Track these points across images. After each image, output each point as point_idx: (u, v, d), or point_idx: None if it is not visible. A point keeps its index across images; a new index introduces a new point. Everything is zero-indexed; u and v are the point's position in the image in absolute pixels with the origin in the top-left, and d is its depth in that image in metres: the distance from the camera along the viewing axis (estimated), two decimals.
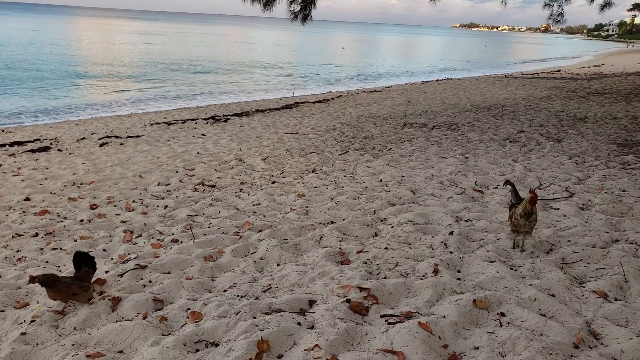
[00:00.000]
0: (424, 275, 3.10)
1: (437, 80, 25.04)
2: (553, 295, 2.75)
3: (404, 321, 2.50)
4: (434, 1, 13.30)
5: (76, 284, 2.80)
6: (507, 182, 3.73)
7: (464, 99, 14.92)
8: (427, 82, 24.13)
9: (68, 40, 47.01)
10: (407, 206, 4.67)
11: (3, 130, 11.76)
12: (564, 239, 3.63)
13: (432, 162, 6.70)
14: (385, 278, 3.09)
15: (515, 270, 3.11)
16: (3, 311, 2.97)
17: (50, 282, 2.71)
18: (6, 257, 3.96)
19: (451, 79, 25.01)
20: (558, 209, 4.40)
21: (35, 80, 21.27)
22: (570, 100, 13.08)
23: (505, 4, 15.66)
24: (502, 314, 2.58)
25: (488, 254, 3.37)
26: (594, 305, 2.66)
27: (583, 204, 4.51)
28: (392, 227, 4.11)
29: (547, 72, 26.94)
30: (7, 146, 9.37)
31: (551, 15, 16.97)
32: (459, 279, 3.03)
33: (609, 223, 3.95)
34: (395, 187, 5.42)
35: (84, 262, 2.96)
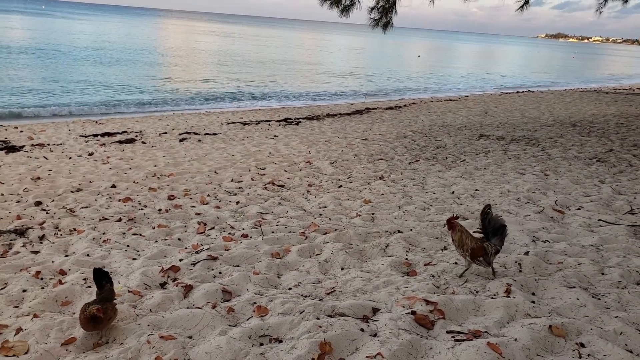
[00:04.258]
0: (495, 295, 2.95)
1: (517, 91, 23.84)
2: None
3: (471, 339, 2.40)
4: (522, 10, 12.47)
5: (110, 307, 2.63)
6: (486, 207, 3.17)
7: (546, 112, 14.08)
8: (506, 93, 23.06)
9: (155, 40, 50.49)
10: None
11: (97, 122, 12.85)
12: None
13: (508, 177, 6.39)
14: (453, 293, 2.98)
15: (599, 299, 2.87)
16: (90, 287, 3.23)
17: (99, 321, 2.54)
18: (94, 238, 4.31)
19: (532, 91, 23.69)
20: None
21: (125, 77, 23.02)
22: None
23: (600, 12, 14.32)
24: (582, 345, 2.39)
25: (567, 278, 3.14)
26: None
27: None
28: None
29: None
30: (99, 136, 10.22)
31: None
32: (533, 302, 2.85)
33: None
34: (467, 201, 5.22)
35: (103, 278, 2.76)
